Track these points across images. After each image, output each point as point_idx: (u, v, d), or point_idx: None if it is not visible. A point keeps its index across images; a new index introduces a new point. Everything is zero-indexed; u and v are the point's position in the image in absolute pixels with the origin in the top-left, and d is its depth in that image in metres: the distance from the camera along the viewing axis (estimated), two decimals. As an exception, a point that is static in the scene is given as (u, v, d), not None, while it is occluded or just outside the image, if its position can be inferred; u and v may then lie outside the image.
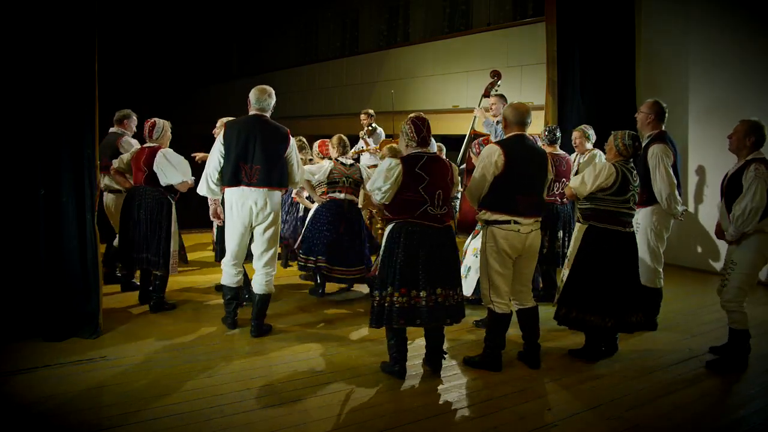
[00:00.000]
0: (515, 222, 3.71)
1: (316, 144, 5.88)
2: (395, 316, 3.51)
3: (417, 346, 4.06)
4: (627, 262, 3.99)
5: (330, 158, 5.48)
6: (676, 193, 4.45)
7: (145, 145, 4.90)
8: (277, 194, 4.34)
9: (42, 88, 4.00)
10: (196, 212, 6.76)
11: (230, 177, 4.20)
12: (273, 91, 4.33)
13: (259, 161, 4.17)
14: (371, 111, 8.06)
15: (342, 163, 5.40)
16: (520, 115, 3.80)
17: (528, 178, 3.76)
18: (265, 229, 4.30)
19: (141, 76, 18.22)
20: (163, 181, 4.73)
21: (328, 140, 5.64)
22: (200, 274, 6.24)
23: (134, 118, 5.74)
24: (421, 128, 3.64)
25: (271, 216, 4.29)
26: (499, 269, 3.78)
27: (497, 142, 3.85)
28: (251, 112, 4.29)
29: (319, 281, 5.57)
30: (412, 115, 3.80)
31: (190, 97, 18.67)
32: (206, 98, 18.02)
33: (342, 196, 5.35)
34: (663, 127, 4.65)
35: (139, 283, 5.18)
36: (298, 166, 4.44)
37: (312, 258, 5.31)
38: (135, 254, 4.80)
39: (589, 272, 3.96)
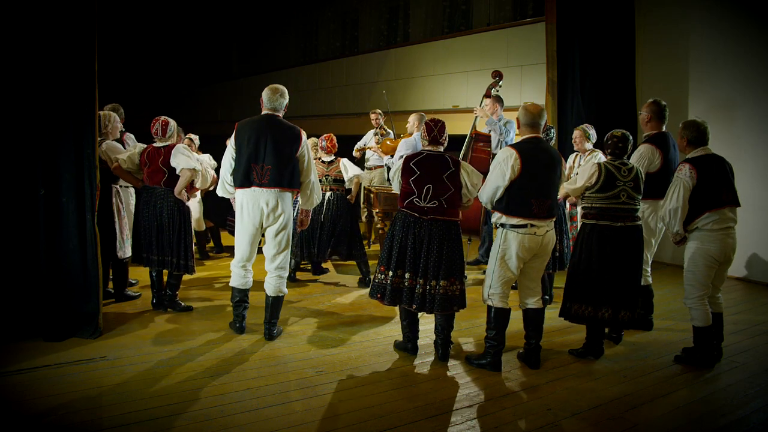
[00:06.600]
0: (531, 225, 3.74)
1: None
2: (373, 290, 3.92)
3: (419, 345, 4.07)
4: (621, 255, 3.97)
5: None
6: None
7: (158, 145, 4.75)
8: (289, 196, 4.25)
9: (42, 88, 4.00)
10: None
11: (242, 178, 4.16)
12: (285, 90, 4.28)
13: (270, 161, 4.12)
14: (380, 111, 8.12)
15: (322, 161, 5.88)
16: (532, 117, 3.81)
17: (543, 182, 3.77)
18: (277, 232, 4.26)
19: (141, 76, 18.23)
20: (173, 162, 4.66)
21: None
22: (201, 272, 6.23)
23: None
24: (432, 129, 3.96)
25: (282, 217, 4.23)
26: (510, 275, 3.83)
27: (512, 146, 3.82)
28: (263, 112, 4.24)
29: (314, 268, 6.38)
30: (428, 118, 4.12)
31: (190, 97, 18.65)
32: (206, 98, 18.01)
33: (328, 194, 5.89)
34: (663, 128, 4.63)
35: (137, 293, 5.18)
36: (309, 165, 4.33)
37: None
38: (149, 255, 4.76)
39: (584, 266, 4.01)
